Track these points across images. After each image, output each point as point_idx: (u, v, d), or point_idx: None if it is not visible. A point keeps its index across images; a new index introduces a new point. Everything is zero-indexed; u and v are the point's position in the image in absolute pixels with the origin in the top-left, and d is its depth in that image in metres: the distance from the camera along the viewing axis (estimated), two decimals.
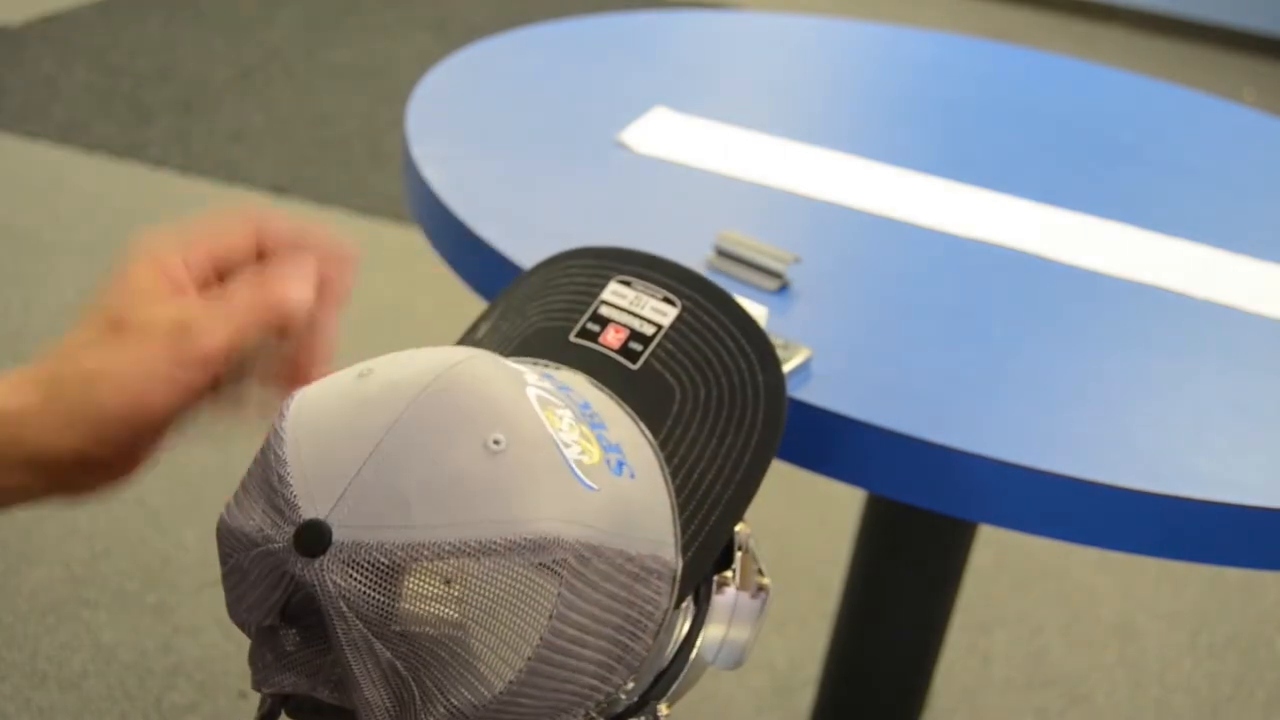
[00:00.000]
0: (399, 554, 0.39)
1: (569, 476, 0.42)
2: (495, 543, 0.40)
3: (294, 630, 0.43)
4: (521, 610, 0.40)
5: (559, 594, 0.41)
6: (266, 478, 0.42)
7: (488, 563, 0.40)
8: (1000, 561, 1.83)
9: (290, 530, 0.40)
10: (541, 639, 0.40)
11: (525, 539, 0.40)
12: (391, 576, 0.39)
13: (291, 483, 0.41)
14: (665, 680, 0.45)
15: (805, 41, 1.26)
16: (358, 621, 0.40)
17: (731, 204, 0.81)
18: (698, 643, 0.46)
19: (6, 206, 2.50)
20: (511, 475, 0.41)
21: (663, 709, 0.45)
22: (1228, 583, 1.85)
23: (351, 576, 0.39)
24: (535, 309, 0.55)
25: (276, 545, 0.40)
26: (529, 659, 0.40)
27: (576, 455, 0.43)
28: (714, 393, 0.51)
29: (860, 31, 1.33)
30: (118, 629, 1.49)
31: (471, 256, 0.73)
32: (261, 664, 0.44)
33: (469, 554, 0.40)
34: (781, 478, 1.95)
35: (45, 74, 3.23)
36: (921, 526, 1.07)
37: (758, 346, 0.53)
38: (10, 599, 1.52)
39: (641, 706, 0.45)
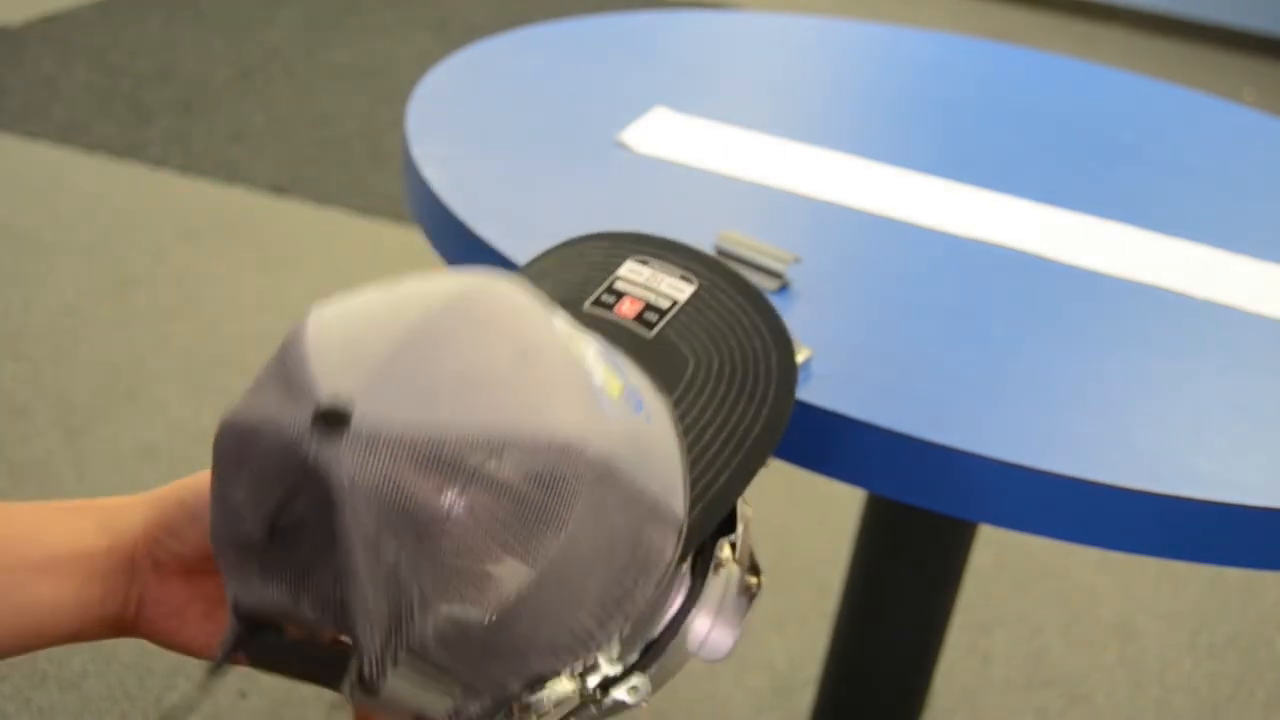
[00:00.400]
0: (422, 443, 0.38)
1: (595, 398, 0.42)
2: (520, 441, 0.39)
3: (281, 546, 0.41)
4: (539, 517, 0.39)
5: (574, 510, 0.40)
6: (283, 370, 0.40)
7: (510, 460, 0.39)
8: (1000, 561, 1.83)
9: (308, 411, 0.38)
10: (544, 565, 0.39)
11: (551, 442, 0.39)
12: (411, 465, 0.38)
13: (313, 368, 0.39)
14: (651, 653, 0.45)
15: (805, 41, 1.26)
16: (369, 512, 0.37)
17: (731, 204, 0.81)
18: (688, 619, 0.45)
19: (6, 206, 2.50)
20: (540, 382, 0.40)
21: (640, 681, 0.44)
22: (1228, 583, 1.85)
23: (370, 461, 0.37)
24: (549, 284, 0.56)
25: (290, 430, 0.38)
26: (539, 572, 0.39)
27: (600, 382, 0.43)
28: (727, 365, 0.51)
29: (860, 31, 1.33)
30: None
31: (471, 256, 0.73)
32: (240, 576, 0.42)
33: (492, 449, 0.38)
34: (781, 478, 1.94)
35: (45, 74, 3.23)
36: (921, 526, 1.07)
37: (773, 328, 0.53)
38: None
39: (624, 678, 0.44)
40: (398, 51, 3.78)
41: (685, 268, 0.56)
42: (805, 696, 1.52)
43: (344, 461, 0.37)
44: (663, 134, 0.91)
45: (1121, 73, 1.29)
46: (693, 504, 0.45)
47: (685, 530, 0.45)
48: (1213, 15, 5.38)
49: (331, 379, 0.39)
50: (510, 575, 0.39)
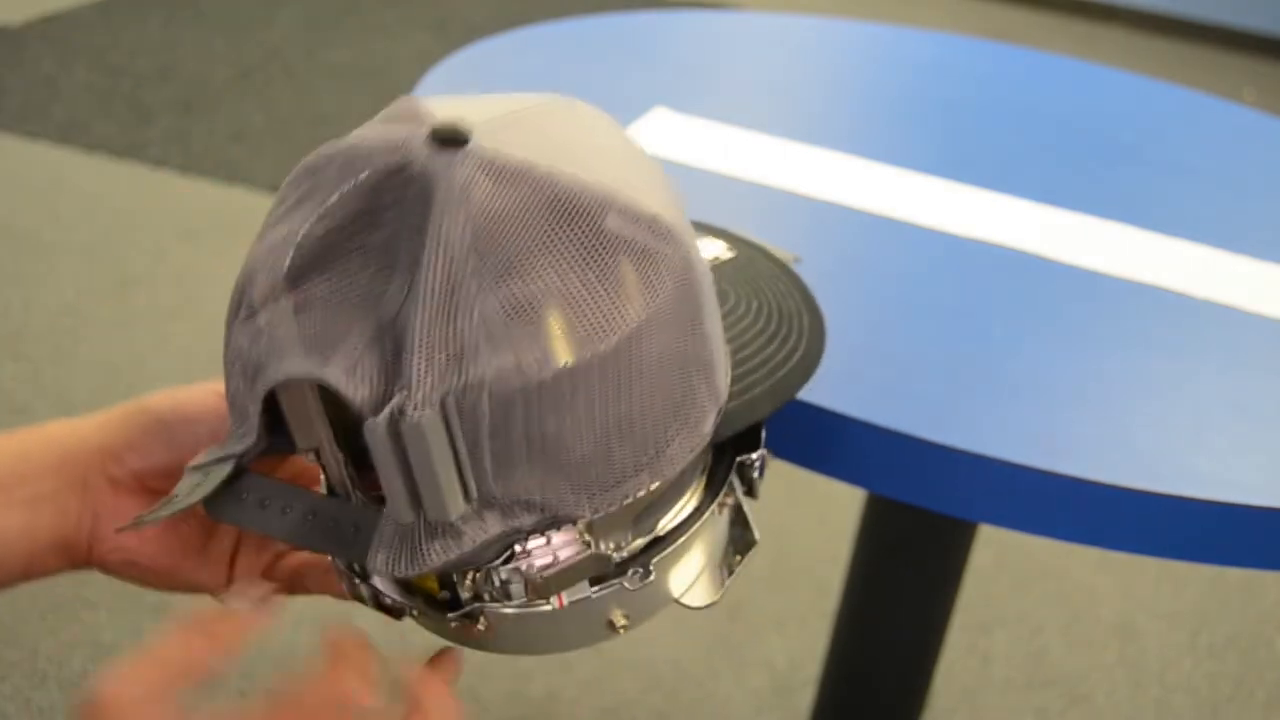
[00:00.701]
0: (533, 178, 0.37)
1: (688, 219, 0.42)
2: (627, 208, 0.38)
3: (328, 277, 0.38)
4: (626, 286, 0.38)
5: (661, 296, 0.39)
6: (391, 112, 0.39)
7: (613, 220, 0.38)
8: (1000, 561, 1.83)
9: (423, 130, 0.37)
10: (620, 338, 0.38)
11: (655, 221, 0.39)
12: (519, 195, 0.37)
13: (429, 105, 0.39)
14: (653, 549, 0.44)
15: (805, 41, 1.26)
16: (465, 232, 0.36)
17: (731, 204, 0.81)
18: (695, 527, 0.45)
19: (6, 206, 2.50)
20: (648, 178, 0.41)
21: (619, 617, 0.43)
22: (1228, 583, 1.85)
23: (480, 179, 0.36)
24: None
25: (399, 142, 0.37)
26: (607, 349, 0.37)
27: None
28: (765, 310, 0.52)
29: (860, 31, 1.33)
30: (118, 629, 1.49)
31: None
32: (253, 339, 0.39)
33: (599, 204, 0.38)
34: (781, 478, 1.94)
35: (45, 74, 3.23)
36: (921, 526, 1.07)
37: (805, 295, 0.55)
38: (10, 598, 1.52)
39: (622, 570, 0.43)
40: (398, 51, 3.77)
41: (724, 238, 0.59)
42: (805, 696, 1.52)
43: (456, 173, 0.36)
44: (663, 134, 0.91)
45: (1121, 73, 1.29)
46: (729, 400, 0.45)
47: (721, 410, 0.44)
48: (1213, 15, 5.38)
49: (451, 110, 0.38)
50: (579, 342, 0.37)
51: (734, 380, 0.46)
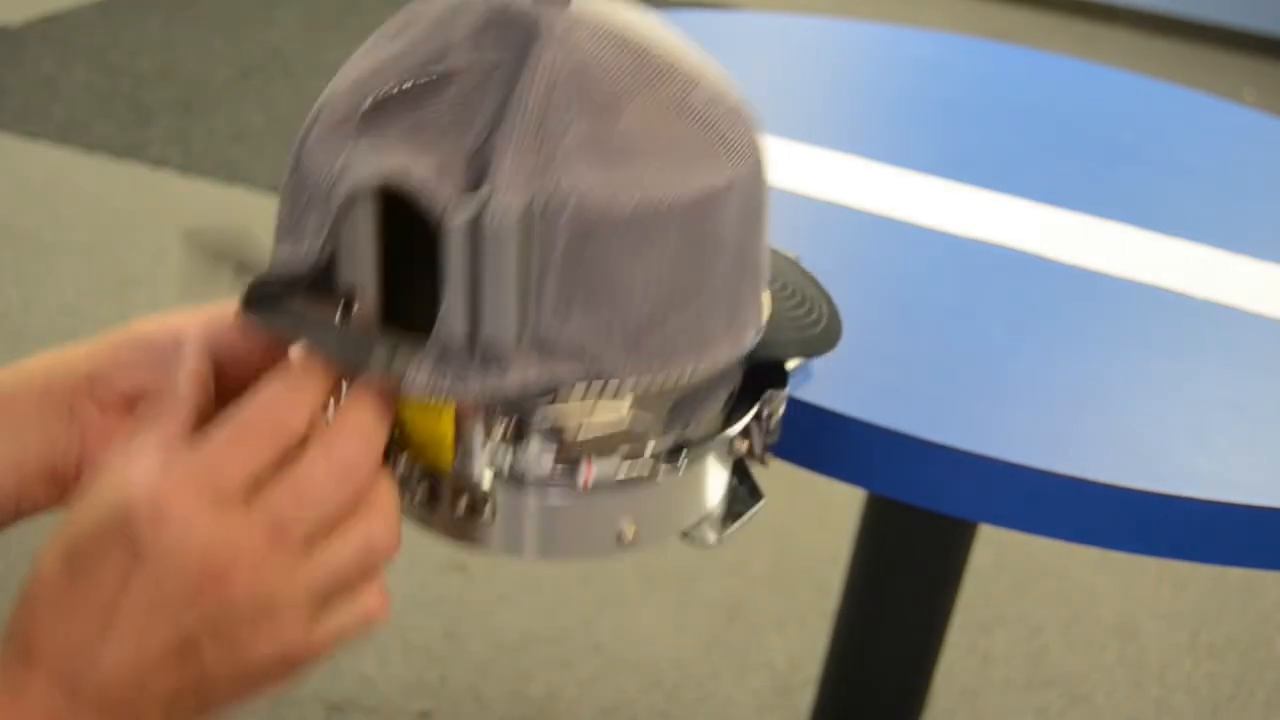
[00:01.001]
0: (632, 38, 0.39)
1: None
2: (716, 86, 0.41)
3: (420, 100, 0.38)
4: (707, 152, 0.40)
5: (735, 174, 0.40)
6: None
7: (702, 93, 0.40)
8: (1000, 561, 1.83)
9: None
10: (700, 195, 0.39)
11: (739, 103, 0.41)
12: (617, 50, 0.38)
13: None
14: (679, 454, 0.44)
15: (805, 41, 1.26)
16: (564, 67, 0.37)
17: None
18: (716, 439, 0.46)
19: (6, 206, 2.50)
20: (729, 81, 0.43)
21: (629, 529, 0.43)
22: (1228, 583, 1.85)
23: (581, 29, 0.38)
24: None
25: None
26: (680, 202, 0.38)
27: None
28: (787, 289, 0.54)
29: (860, 31, 1.33)
30: None
31: None
32: (332, 154, 0.39)
33: (691, 76, 0.40)
34: (781, 478, 1.94)
35: (45, 74, 3.22)
36: (921, 526, 1.07)
37: (820, 290, 0.57)
38: (10, 599, 1.51)
39: (654, 465, 0.43)
40: None
41: None
42: (805, 696, 1.52)
43: (558, 21, 0.38)
44: None
45: (1121, 73, 1.29)
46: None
47: (763, 328, 0.46)
48: (1213, 15, 5.37)
49: None
50: (663, 186, 0.38)
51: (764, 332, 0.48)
